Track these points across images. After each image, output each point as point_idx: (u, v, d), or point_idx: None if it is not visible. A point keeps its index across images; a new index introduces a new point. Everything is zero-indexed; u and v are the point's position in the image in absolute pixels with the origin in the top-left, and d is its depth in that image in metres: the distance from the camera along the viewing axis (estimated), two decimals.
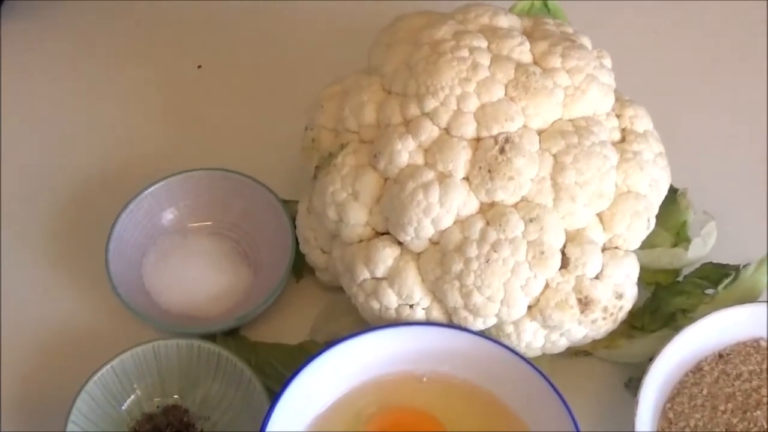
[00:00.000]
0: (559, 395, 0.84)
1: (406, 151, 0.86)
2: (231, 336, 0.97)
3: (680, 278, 0.97)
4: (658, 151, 0.92)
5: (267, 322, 0.99)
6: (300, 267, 1.00)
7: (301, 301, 1.00)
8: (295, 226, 0.97)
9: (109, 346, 0.93)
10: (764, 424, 0.85)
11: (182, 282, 0.99)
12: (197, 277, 0.99)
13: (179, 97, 1.13)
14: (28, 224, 1.05)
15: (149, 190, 1.00)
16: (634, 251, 0.91)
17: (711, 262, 0.96)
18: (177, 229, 1.01)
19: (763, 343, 0.91)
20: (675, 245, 0.97)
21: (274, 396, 0.84)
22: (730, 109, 1.12)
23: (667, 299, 0.94)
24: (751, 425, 0.86)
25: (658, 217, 0.94)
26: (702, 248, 0.95)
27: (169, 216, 1.01)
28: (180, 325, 0.95)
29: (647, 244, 0.94)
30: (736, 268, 0.94)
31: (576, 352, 0.94)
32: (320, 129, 0.93)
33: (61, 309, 1.00)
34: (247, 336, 0.98)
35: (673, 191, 0.97)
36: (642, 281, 0.95)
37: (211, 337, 0.94)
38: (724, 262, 0.96)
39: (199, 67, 1.15)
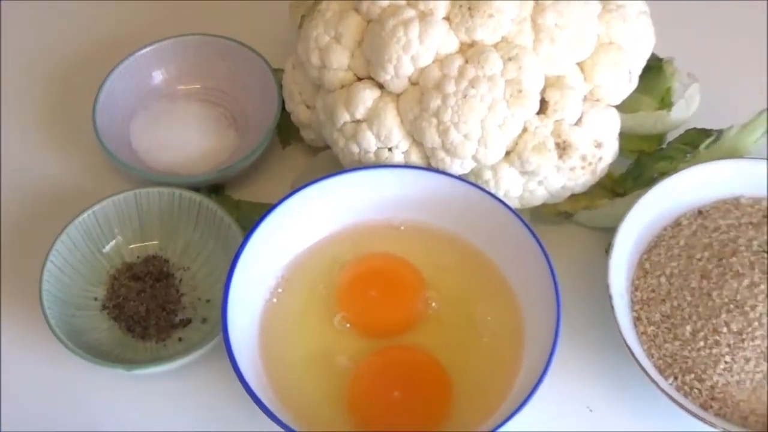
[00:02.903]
0: (537, 240, 0.84)
1: None
2: (215, 193, 0.96)
3: (664, 145, 0.96)
4: (642, 9, 0.92)
5: (252, 183, 1.00)
6: (287, 133, 1.00)
7: (286, 164, 1.01)
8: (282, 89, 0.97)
9: (94, 197, 0.93)
10: (739, 269, 0.84)
11: (169, 143, 1.00)
12: (184, 138, 1.00)
13: None
14: (23, 87, 1.08)
15: (140, 52, 1.02)
16: (620, 114, 0.90)
17: (695, 128, 0.95)
18: (166, 93, 1.02)
19: (743, 201, 0.91)
20: None
21: (248, 232, 0.83)
22: None
23: (650, 165, 0.94)
24: (726, 270, 0.85)
25: (643, 84, 0.94)
26: (685, 110, 0.95)
27: (158, 77, 1.02)
28: (164, 177, 0.95)
29: (631, 109, 0.94)
30: (720, 132, 0.93)
31: (557, 213, 0.93)
32: None
33: (50, 164, 1.02)
34: (231, 195, 0.97)
35: (659, 60, 0.97)
36: (626, 149, 0.94)
37: (195, 192, 0.94)
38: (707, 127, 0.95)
39: None
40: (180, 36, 1.02)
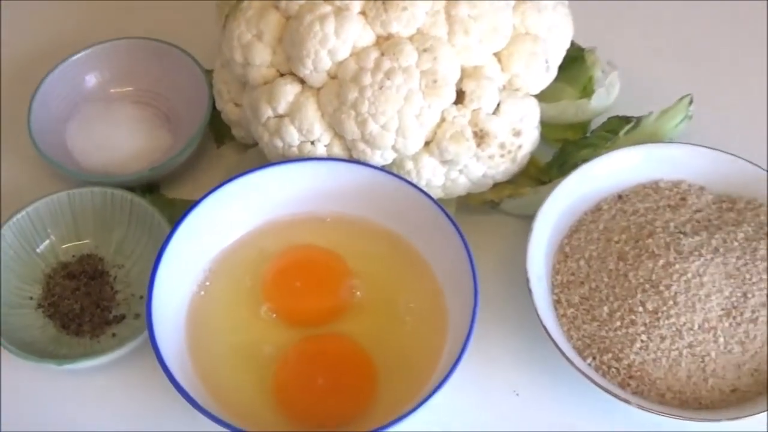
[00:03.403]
0: (456, 226, 0.86)
1: None
2: (150, 192, 0.98)
3: (588, 133, 0.98)
4: None
5: (187, 182, 1.02)
6: (221, 133, 1.02)
7: (220, 162, 1.03)
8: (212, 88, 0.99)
9: (29, 198, 0.95)
10: (655, 249, 0.86)
11: (104, 144, 1.02)
12: (118, 139, 1.02)
13: None
14: None
15: (73, 57, 1.04)
16: (540, 104, 0.92)
17: (617, 115, 0.97)
18: (100, 96, 1.04)
19: (662, 184, 0.93)
20: None
21: (173, 227, 0.85)
22: None
23: (574, 153, 0.96)
24: (642, 251, 0.87)
25: (564, 74, 0.96)
26: (605, 98, 0.96)
27: (92, 81, 1.04)
28: (99, 177, 0.97)
29: (554, 98, 0.96)
30: (639, 118, 0.95)
31: (484, 202, 0.95)
32: None
33: None
34: (165, 194, 0.99)
35: (580, 49, 0.99)
36: (552, 138, 0.96)
37: (128, 190, 0.96)
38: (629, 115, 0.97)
39: None
40: (112, 40, 1.04)
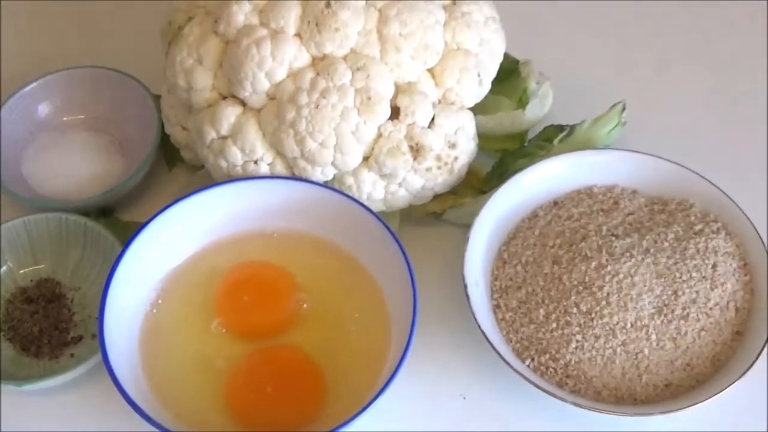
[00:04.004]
0: (394, 237, 0.90)
1: (242, 13, 0.92)
2: (104, 216, 1.02)
3: (526, 143, 1.01)
4: (489, 15, 0.97)
5: (140, 205, 1.05)
6: (172, 156, 1.06)
7: (172, 186, 1.06)
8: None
9: None
10: (588, 252, 0.90)
11: (59, 171, 1.05)
12: (73, 166, 1.05)
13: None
14: None
15: (26, 87, 1.07)
16: (475, 114, 0.96)
17: (552, 125, 1.00)
18: (54, 125, 1.07)
19: (596, 189, 0.96)
20: None
21: (122, 248, 0.88)
22: None
23: (512, 162, 0.99)
24: (576, 255, 0.90)
25: (501, 87, 1.00)
26: (540, 108, 1.00)
27: (44, 110, 1.08)
28: (54, 203, 1.00)
29: (491, 110, 0.99)
30: (573, 126, 0.99)
31: (427, 214, 0.98)
32: (175, 11, 0.99)
33: None
34: (120, 217, 1.03)
35: (515, 62, 1.03)
36: (491, 149, 1.00)
37: (81, 215, 0.99)
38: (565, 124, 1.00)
39: None
40: (62, 70, 1.07)
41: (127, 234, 0.97)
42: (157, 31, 1.04)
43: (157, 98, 1.05)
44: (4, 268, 0.98)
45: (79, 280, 0.98)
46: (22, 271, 0.98)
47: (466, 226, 0.97)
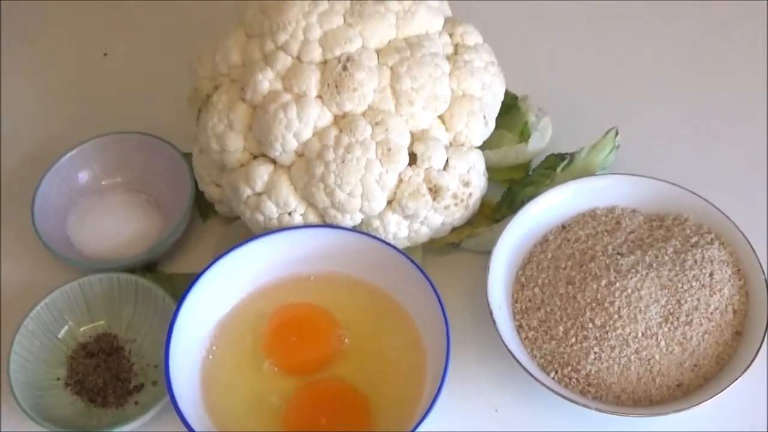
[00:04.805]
0: (422, 272, 0.98)
1: (266, 81, 1.01)
2: (149, 271, 1.11)
3: (530, 172, 1.11)
4: (489, 60, 1.07)
5: (180, 257, 1.14)
6: (205, 209, 1.15)
7: (208, 236, 1.15)
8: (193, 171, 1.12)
9: (42, 290, 1.07)
10: (597, 272, 1.00)
11: (102, 233, 1.13)
12: (115, 227, 1.14)
13: (85, 73, 1.31)
14: None
15: (64, 156, 1.15)
16: (482, 150, 1.05)
17: (553, 153, 1.10)
18: (93, 189, 1.16)
19: (599, 212, 1.06)
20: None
21: (178, 303, 0.98)
22: (562, 22, 1.30)
23: (519, 191, 1.09)
24: (587, 274, 1.00)
25: (503, 122, 1.09)
26: (540, 141, 1.10)
27: (84, 177, 1.16)
28: (103, 263, 1.09)
29: (496, 145, 1.09)
30: (572, 154, 1.09)
31: (446, 244, 1.08)
32: (200, 79, 1.08)
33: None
34: (163, 270, 1.12)
35: (514, 98, 1.13)
36: (499, 179, 1.10)
37: (131, 272, 1.08)
38: (564, 152, 1.10)
39: (105, 54, 1.31)
40: (98, 137, 1.15)
41: (173, 285, 1.06)
42: (175, 92, 1.14)
43: (185, 156, 1.13)
44: (65, 327, 1.06)
45: (133, 332, 1.07)
46: (81, 329, 1.07)
47: (483, 253, 1.07)
